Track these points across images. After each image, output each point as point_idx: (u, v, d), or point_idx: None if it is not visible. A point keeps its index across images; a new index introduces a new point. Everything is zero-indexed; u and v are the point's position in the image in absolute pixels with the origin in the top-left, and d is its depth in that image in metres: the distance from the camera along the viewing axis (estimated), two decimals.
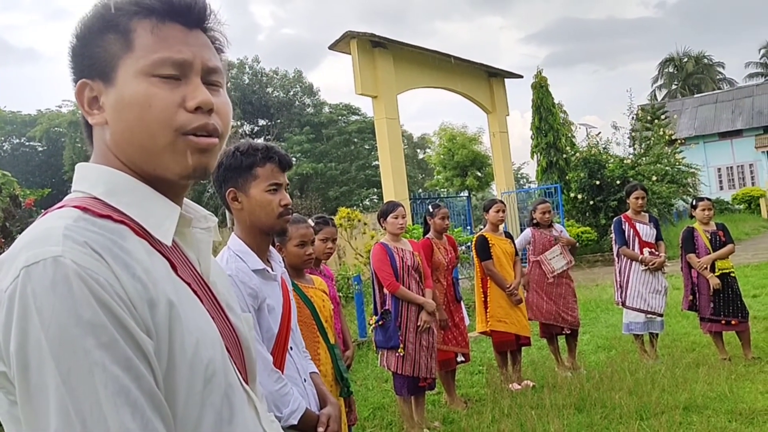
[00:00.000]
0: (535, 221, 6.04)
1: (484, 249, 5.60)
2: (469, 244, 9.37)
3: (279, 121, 35.06)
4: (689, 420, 4.22)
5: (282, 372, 2.02)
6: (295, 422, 1.90)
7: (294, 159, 34.78)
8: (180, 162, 0.91)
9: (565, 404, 4.63)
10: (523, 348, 5.70)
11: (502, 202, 5.93)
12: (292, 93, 36.46)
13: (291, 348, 2.14)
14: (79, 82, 0.92)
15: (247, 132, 35.53)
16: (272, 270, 2.12)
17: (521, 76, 17.12)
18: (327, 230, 3.79)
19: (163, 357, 0.81)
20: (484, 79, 15.86)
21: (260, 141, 2.09)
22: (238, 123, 34.04)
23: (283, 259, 2.84)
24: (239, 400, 0.93)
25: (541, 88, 18.79)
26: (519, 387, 5.30)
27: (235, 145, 2.04)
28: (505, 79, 16.53)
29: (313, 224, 3.73)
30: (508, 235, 5.88)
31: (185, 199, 1.02)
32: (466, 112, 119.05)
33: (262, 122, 36.17)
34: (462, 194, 19.88)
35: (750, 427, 4.03)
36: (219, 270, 1.09)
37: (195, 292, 0.92)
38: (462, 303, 5.27)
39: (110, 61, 0.90)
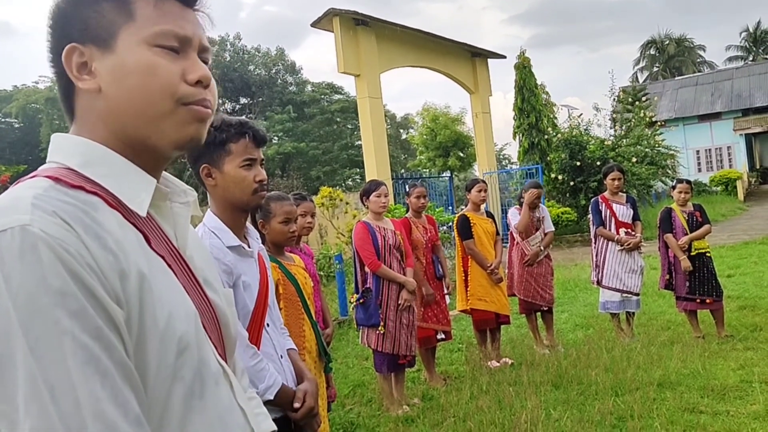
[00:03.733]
0: (521, 200, 6.07)
1: (465, 228, 5.63)
2: (450, 224, 9.40)
3: (261, 99, 34.71)
4: (663, 396, 4.31)
5: (258, 348, 2.01)
6: (271, 397, 1.90)
7: (276, 138, 34.56)
8: (179, 130, 0.92)
9: (542, 381, 4.70)
10: (502, 326, 5.76)
11: (483, 182, 5.95)
12: (274, 71, 36.07)
13: (268, 325, 2.13)
14: (68, 46, 0.90)
15: (228, 110, 35.16)
16: (249, 247, 2.10)
17: (504, 57, 17.09)
18: (305, 205, 3.80)
19: (134, 328, 0.80)
20: (467, 59, 15.80)
21: (235, 117, 2.06)
22: (220, 101, 33.68)
23: (264, 236, 2.84)
24: (213, 375, 0.92)
25: (524, 68, 18.78)
26: (498, 364, 5.37)
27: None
28: (489, 60, 16.49)
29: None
30: (490, 215, 5.91)
31: (165, 173, 1.01)
32: (449, 93, 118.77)
33: (243, 100, 35.80)
34: (444, 174, 19.88)
35: (721, 403, 4.12)
36: (198, 245, 1.07)
37: (169, 266, 0.91)
38: (444, 281, 5.30)
39: (108, 27, 0.89)
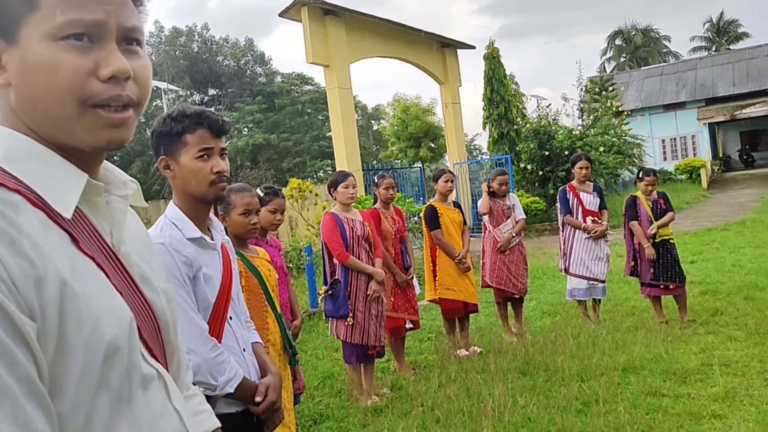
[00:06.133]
0: (491, 190, 6.11)
1: (433, 219, 5.65)
2: (421, 214, 9.42)
3: (230, 90, 34.30)
4: (627, 380, 4.40)
5: (219, 341, 1.99)
6: (231, 390, 1.88)
7: (246, 129, 34.12)
8: (93, 134, 0.85)
9: (509, 368, 4.76)
10: (470, 315, 5.81)
11: (451, 172, 5.97)
12: (243, 62, 35.66)
13: (230, 318, 2.11)
14: None
15: (197, 101, 34.68)
16: (212, 239, 2.07)
17: (474, 47, 17.13)
18: (276, 201, 3.73)
19: (51, 338, 0.76)
20: (437, 50, 15.81)
21: (195, 106, 2.01)
22: (188, 92, 33.18)
23: (226, 228, 2.80)
24: (143, 378, 0.89)
25: (493, 59, 18.86)
26: (466, 353, 5.42)
27: (168, 111, 1.98)
28: (458, 50, 16.50)
29: (261, 194, 3.68)
30: (457, 205, 5.94)
31: (106, 162, 0.96)
32: (419, 84, 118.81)
33: (212, 91, 35.34)
34: (415, 165, 19.92)
35: (683, 386, 4.23)
36: (137, 240, 1.03)
37: (101, 267, 0.86)
38: (409, 271, 5.31)
39: (11, 18, 0.81)
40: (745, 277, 7.64)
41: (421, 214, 6.08)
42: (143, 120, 29.77)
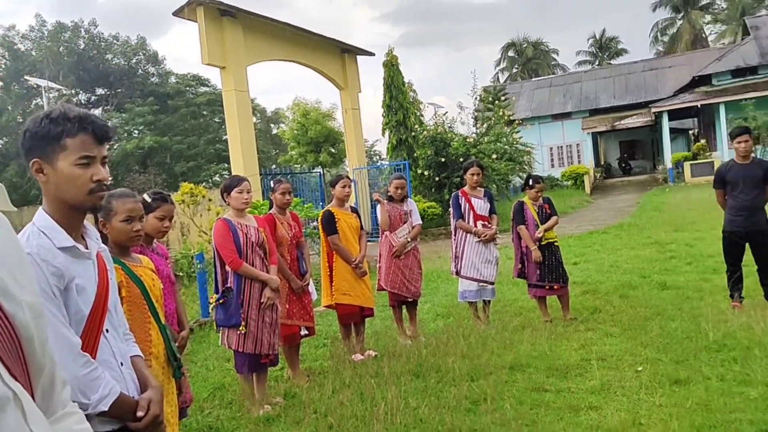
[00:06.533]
0: (389, 195, 6.18)
1: (329, 224, 5.65)
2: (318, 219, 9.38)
3: (119, 90, 32.67)
4: (514, 378, 4.60)
5: (94, 356, 1.89)
6: (105, 408, 1.78)
7: (136, 131, 32.61)
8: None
9: (403, 371, 4.84)
10: (366, 319, 5.86)
11: (348, 177, 6.00)
12: (134, 61, 34.07)
13: (107, 330, 2.00)
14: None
15: (83, 101, 32.75)
16: (86, 248, 1.96)
17: (373, 54, 17.34)
18: (165, 208, 3.57)
19: None
20: (337, 55, 15.86)
21: (78, 108, 1.90)
22: (72, 92, 31.24)
23: (106, 236, 2.66)
24: None
25: (392, 66, 19.17)
26: (362, 357, 5.45)
27: (46, 110, 1.85)
28: (358, 57, 16.65)
29: (149, 200, 3.52)
30: (355, 210, 5.98)
31: None
32: (320, 88, 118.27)
33: (100, 91, 33.53)
34: (315, 170, 19.85)
35: (564, 381, 4.47)
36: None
37: None
38: (305, 277, 5.29)
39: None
40: (621, 277, 8.21)
41: (318, 220, 6.07)
42: (20, 120, 27.68)
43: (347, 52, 16.04)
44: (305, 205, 10.30)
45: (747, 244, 5.98)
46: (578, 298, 7.03)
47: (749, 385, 3.98)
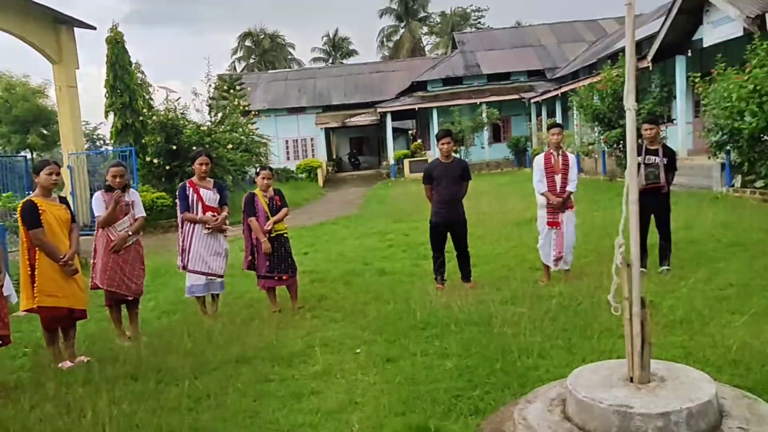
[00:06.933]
0: (107, 184, 5.64)
1: (32, 216, 4.95)
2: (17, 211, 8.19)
3: None
4: (239, 371, 4.55)
5: None
6: None
7: None
8: None
9: (118, 375, 4.47)
10: (77, 322, 5.28)
11: (55, 163, 5.31)
12: None
13: None
14: None
15: None
16: None
17: (94, 28, 15.74)
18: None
19: None
20: (50, 25, 14.04)
21: None
22: None
23: None
24: None
25: (116, 43, 17.67)
26: (72, 364, 4.90)
27: None
28: (76, 29, 14.95)
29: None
30: (63, 201, 5.33)
31: None
32: (29, 60, 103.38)
33: None
34: (22, 154, 17.37)
35: (289, 369, 4.57)
36: None
37: None
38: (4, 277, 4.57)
39: None
40: (346, 265, 8.72)
41: (18, 212, 5.28)
42: None
43: (64, 23, 14.31)
44: (4, 194, 8.91)
45: (449, 233, 6.81)
46: (307, 287, 7.27)
47: (447, 357, 4.51)
